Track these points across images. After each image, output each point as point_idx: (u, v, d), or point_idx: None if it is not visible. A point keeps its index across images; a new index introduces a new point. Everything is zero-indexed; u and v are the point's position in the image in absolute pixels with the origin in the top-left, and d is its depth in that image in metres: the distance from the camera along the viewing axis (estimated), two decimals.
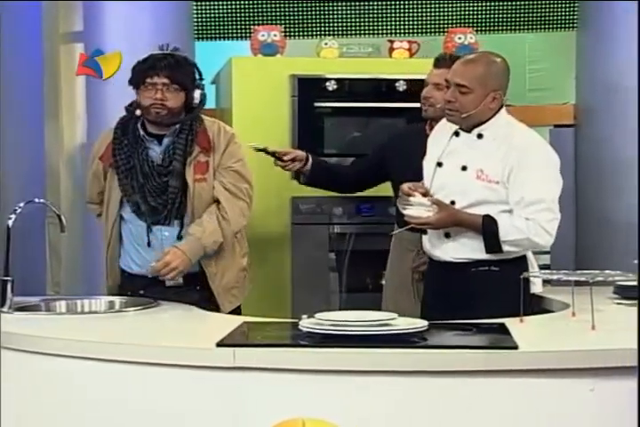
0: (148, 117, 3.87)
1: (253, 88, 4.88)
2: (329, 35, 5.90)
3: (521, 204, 3.52)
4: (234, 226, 3.89)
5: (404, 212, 3.60)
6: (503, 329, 3.02)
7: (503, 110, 3.64)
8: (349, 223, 4.90)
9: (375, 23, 6.03)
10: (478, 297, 3.56)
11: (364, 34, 6.02)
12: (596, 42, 5.41)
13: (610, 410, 2.73)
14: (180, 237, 3.87)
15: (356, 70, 4.97)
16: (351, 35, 6.01)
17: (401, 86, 4.93)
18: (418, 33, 6.02)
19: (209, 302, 3.85)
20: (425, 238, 3.75)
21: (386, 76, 4.96)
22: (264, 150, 4.30)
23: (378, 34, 6.02)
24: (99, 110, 5.02)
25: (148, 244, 3.88)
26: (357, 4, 5.99)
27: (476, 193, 3.57)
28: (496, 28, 6.10)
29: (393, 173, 4.21)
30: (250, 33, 5.29)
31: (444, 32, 5.56)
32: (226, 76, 5.04)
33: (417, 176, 3.75)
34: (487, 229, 3.53)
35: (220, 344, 2.79)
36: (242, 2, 5.94)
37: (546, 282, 3.95)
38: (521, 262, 3.63)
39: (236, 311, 3.95)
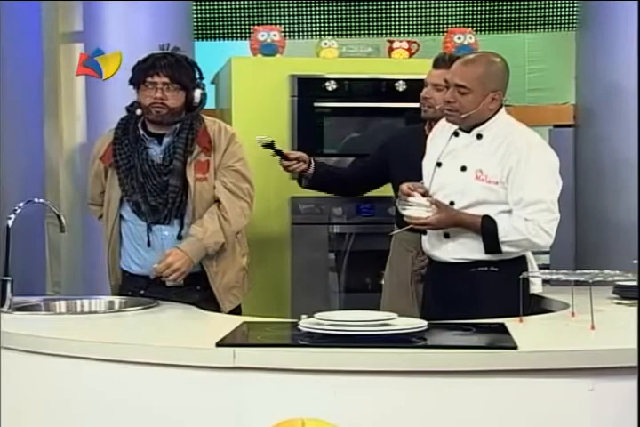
0: (148, 117, 3.88)
1: (253, 88, 4.88)
2: (328, 35, 5.90)
3: (520, 204, 3.52)
4: (234, 226, 3.89)
5: (404, 212, 3.60)
6: (503, 329, 3.02)
7: (502, 111, 3.64)
8: (349, 223, 4.90)
9: (375, 23, 6.03)
10: (478, 297, 3.56)
11: (364, 34, 6.02)
12: (595, 42, 5.41)
13: (609, 410, 2.73)
14: (179, 237, 3.87)
15: (355, 70, 4.97)
16: (351, 35, 6.01)
17: (400, 86, 4.93)
18: (417, 33, 6.02)
19: (210, 302, 3.86)
20: (424, 239, 3.75)
21: (385, 76, 4.96)
22: (271, 145, 4.29)
23: (377, 34, 6.02)
24: (98, 110, 5.02)
25: (148, 243, 3.88)
26: (357, 4, 5.99)
27: (476, 193, 3.57)
28: (496, 28, 6.10)
29: (393, 173, 4.21)
30: (249, 33, 5.29)
31: (443, 32, 5.57)
32: (225, 77, 5.04)
33: (416, 176, 3.75)
34: (486, 229, 3.53)
35: (219, 344, 2.79)
36: (241, 2, 5.94)
37: (545, 282, 3.95)
38: (520, 262, 3.63)
39: (237, 311, 3.95)
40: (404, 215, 3.63)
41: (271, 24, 5.63)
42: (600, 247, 5.31)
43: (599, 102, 5.38)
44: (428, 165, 3.73)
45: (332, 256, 4.90)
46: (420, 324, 2.90)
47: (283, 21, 5.88)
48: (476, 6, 6.06)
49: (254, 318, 3.38)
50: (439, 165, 3.67)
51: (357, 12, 6.00)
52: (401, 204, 3.62)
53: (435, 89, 4.05)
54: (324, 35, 5.90)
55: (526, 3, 6.09)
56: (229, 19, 5.96)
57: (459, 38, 5.10)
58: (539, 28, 6.16)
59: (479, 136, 3.61)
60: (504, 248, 3.55)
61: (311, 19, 5.99)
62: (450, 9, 6.04)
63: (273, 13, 5.94)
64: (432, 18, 6.04)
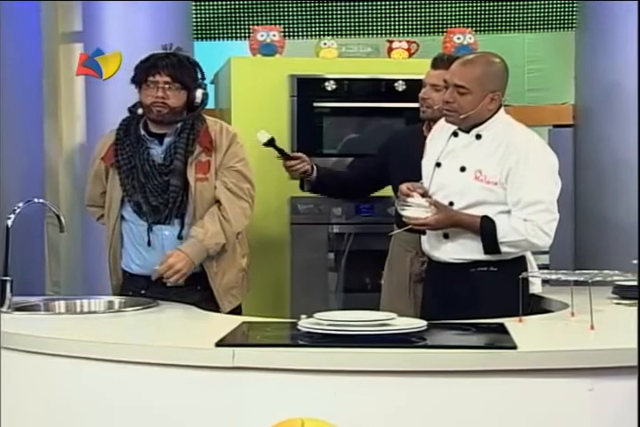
0: (149, 116, 3.88)
1: (252, 88, 4.88)
2: (328, 35, 5.90)
3: (519, 205, 3.52)
4: (235, 226, 3.89)
5: (403, 213, 3.60)
6: (502, 329, 3.02)
7: (502, 111, 3.64)
8: (348, 223, 4.90)
9: (374, 23, 6.03)
10: (477, 297, 3.56)
11: (363, 34, 6.02)
12: (595, 42, 5.41)
13: (608, 410, 2.74)
14: (180, 237, 3.87)
15: (354, 70, 4.97)
16: (350, 35, 6.01)
17: (400, 86, 4.93)
18: (417, 33, 6.02)
19: (209, 302, 3.86)
20: (424, 239, 3.75)
21: (385, 76, 4.96)
22: (272, 143, 4.27)
23: (377, 34, 6.02)
24: (98, 110, 5.02)
25: (149, 243, 3.88)
26: (356, 4, 5.99)
27: (475, 194, 3.57)
28: (495, 28, 6.10)
29: (392, 174, 4.21)
30: (249, 33, 5.30)
31: (443, 32, 5.57)
32: (225, 77, 5.04)
33: (416, 177, 3.75)
34: (485, 230, 3.53)
35: (219, 344, 2.80)
36: (241, 2, 5.94)
37: (545, 282, 3.96)
38: (520, 263, 3.63)
39: (237, 311, 3.95)
40: (402, 216, 3.63)
41: (270, 24, 5.63)
42: (599, 247, 5.30)
43: (598, 102, 5.38)
44: (427, 165, 3.73)
45: (331, 256, 4.90)
46: (420, 324, 2.90)
47: (282, 21, 5.88)
48: (476, 6, 6.06)
49: (254, 318, 3.38)
50: (438, 165, 3.67)
51: (357, 11, 6.00)
52: (400, 204, 3.62)
53: (433, 89, 4.05)
54: (324, 35, 5.91)
55: (526, 3, 6.09)
56: (229, 19, 5.96)
57: (458, 38, 5.10)
58: (538, 29, 6.16)
59: (478, 136, 3.61)
60: (503, 249, 3.55)
61: (310, 19, 5.99)
62: (449, 9, 6.05)
63: (272, 13, 5.94)
64: (431, 18, 6.04)
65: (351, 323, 2.83)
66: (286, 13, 5.95)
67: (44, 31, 5.67)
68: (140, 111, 3.90)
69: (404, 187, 3.65)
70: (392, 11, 6.03)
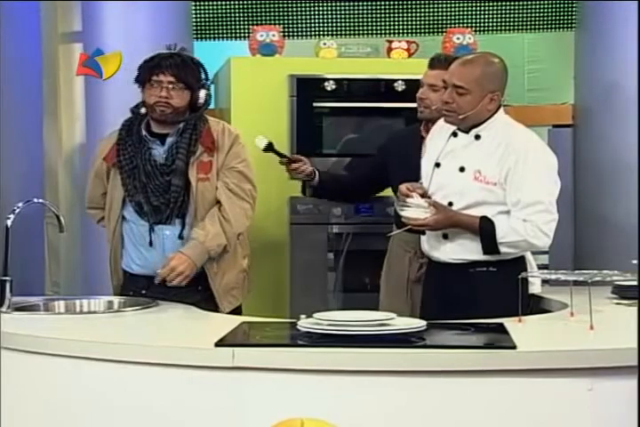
0: (152, 115, 3.89)
1: (252, 88, 4.88)
2: (327, 35, 5.90)
3: (518, 205, 3.52)
4: (236, 227, 3.89)
5: (402, 213, 3.60)
6: (502, 329, 3.02)
7: (501, 111, 3.64)
8: (348, 223, 4.90)
9: (374, 23, 6.03)
10: (477, 298, 3.56)
11: (363, 34, 6.02)
12: (594, 42, 5.41)
13: (608, 410, 2.74)
14: (181, 237, 3.87)
15: (354, 70, 4.97)
16: (350, 35, 6.00)
17: (399, 86, 4.93)
18: (416, 33, 6.02)
19: (210, 303, 3.86)
20: (423, 239, 3.75)
21: (384, 77, 4.96)
22: (271, 147, 4.25)
23: (376, 34, 6.02)
24: (97, 110, 5.02)
25: (150, 243, 3.88)
26: (356, 4, 5.98)
27: (474, 194, 3.57)
28: (495, 28, 6.10)
29: (392, 174, 4.20)
30: (248, 33, 5.30)
31: (442, 32, 5.57)
32: (224, 77, 5.05)
33: (415, 177, 3.75)
34: (484, 230, 3.54)
35: (218, 344, 2.80)
36: (240, 2, 5.93)
37: (544, 282, 3.96)
38: (519, 263, 3.63)
39: (237, 312, 3.95)
40: (402, 216, 3.63)
41: (270, 24, 5.63)
42: (599, 247, 5.30)
43: (598, 102, 5.39)
44: (426, 165, 3.73)
45: (330, 256, 4.90)
46: (419, 324, 2.90)
47: (282, 21, 5.88)
48: (475, 6, 6.06)
49: (253, 318, 3.38)
50: (438, 165, 3.67)
51: (356, 12, 6.00)
52: (399, 205, 3.62)
53: (431, 89, 4.04)
54: (323, 35, 5.90)
55: (525, 3, 6.09)
56: (228, 19, 5.96)
57: (458, 38, 5.11)
58: (538, 29, 6.16)
59: (477, 137, 3.61)
60: (502, 249, 3.55)
61: (310, 19, 5.98)
62: (449, 9, 6.04)
63: (272, 13, 5.94)
64: (431, 18, 6.04)
65: (351, 323, 2.84)
66: (286, 13, 5.95)
67: (44, 31, 5.67)
68: (143, 110, 3.90)
69: (403, 187, 3.65)
70: (391, 11, 6.03)
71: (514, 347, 2.75)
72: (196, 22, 5.89)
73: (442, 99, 3.63)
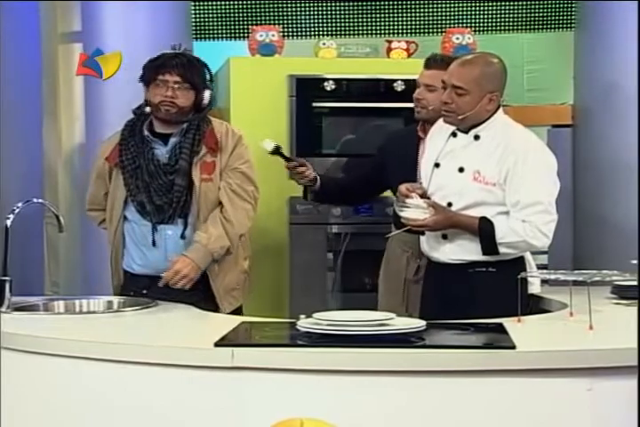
0: (157, 114, 3.89)
1: (251, 88, 4.89)
2: (327, 35, 5.91)
3: (518, 206, 3.52)
4: (238, 228, 3.89)
5: (401, 214, 3.60)
6: (501, 329, 3.02)
7: (500, 111, 3.64)
8: (347, 223, 4.90)
9: (373, 23, 6.03)
10: (476, 298, 3.56)
11: (362, 34, 6.03)
12: (594, 42, 5.41)
13: (607, 410, 2.74)
14: (183, 237, 3.88)
15: (353, 70, 4.97)
16: (349, 35, 6.01)
17: (399, 86, 4.94)
18: (416, 33, 6.02)
19: (210, 303, 3.87)
20: (423, 240, 3.75)
21: (384, 77, 4.97)
22: (278, 151, 4.24)
23: (376, 34, 6.02)
24: (97, 111, 5.02)
25: (153, 243, 3.89)
26: (355, 4, 5.99)
27: (473, 195, 3.57)
28: (494, 28, 6.10)
29: (391, 174, 4.20)
30: (248, 33, 5.30)
31: (441, 32, 5.57)
32: (224, 77, 5.05)
33: (413, 177, 3.75)
34: (484, 231, 3.53)
35: (218, 344, 2.80)
36: (240, 2, 5.94)
37: (544, 282, 3.96)
38: (519, 263, 3.63)
39: (238, 313, 3.95)
40: (401, 217, 3.62)
41: (270, 24, 5.63)
42: (598, 248, 5.30)
43: (597, 102, 5.39)
44: (426, 165, 3.73)
45: (330, 256, 4.90)
46: (419, 324, 2.90)
47: (281, 21, 5.89)
48: (475, 6, 6.07)
49: (253, 318, 3.38)
50: (437, 165, 3.67)
51: (356, 12, 6.01)
52: (398, 205, 3.62)
53: (427, 90, 4.03)
54: (323, 35, 5.91)
55: (524, 3, 6.09)
56: (228, 19, 5.97)
57: (457, 38, 5.11)
58: (537, 29, 6.16)
59: (477, 137, 3.61)
60: (501, 250, 3.55)
61: (310, 19, 5.99)
62: (448, 9, 6.05)
63: (271, 13, 5.94)
64: (430, 18, 6.04)
65: (350, 323, 2.84)
66: (285, 13, 5.95)
67: (44, 31, 5.67)
68: (147, 109, 3.90)
69: (403, 187, 3.65)
70: (391, 11, 6.03)
71: (513, 347, 2.75)
72: (196, 22, 5.90)
73: (441, 99, 3.63)
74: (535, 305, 3.81)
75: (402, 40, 5.17)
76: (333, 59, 5.01)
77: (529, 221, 3.50)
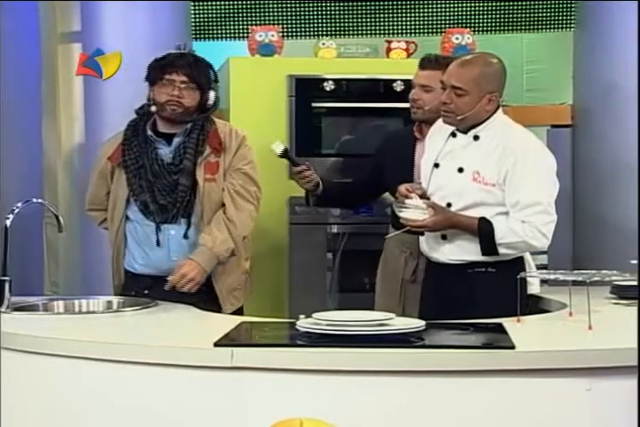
0: (162, 114, 3.89)
1: (251, 88, 4.89)
2: (326, 35, 5.91)
3: (517, 206, 3.52)
4: (241, 229, 3.90)
5: (400, 214, 3.60)
6: (500, 329, 3.02)
7: (500, 112, 3.64)
8: (347, 223, 4.90)
9: (373, 23, 6.03)
10: (476, 298, 3.56)
11: (362, 34, 6.03)
12: (593, 42, 5.41)
13: (607, 410, 2.74)
14: (186, 237, 3.88)
15: (353, 70, 4.97)
16: (349, 35, 6.01)
17: (398, 86, 4.94)
18: (415, 33, 6.02)
19: (211, 303, 3.87)
20: (422, 240, 3.75)
21: (383, 77, 4.97)
22: (286, 154, 4.23)
23: (375, 34, 6.02)
24: (97, 110, 5.03)
25: (157, 242, 3.89)
26: (355, 4, 5.99)
27: (473, 195, 3.57)
28: (493, 28, 6.10)
29: (389, 175, 4.19)
30: (247, 33, 5.30)
31: (441, 32, 5.57)
32: (223, 77, 5.02)
33: (409, 178, 3.75)
34: (483, 231, 3.53)
35: (217, 344, 2.80)
36: (239, 2, 5.94)
37: (543, 282, 3.96)
38: (518, 263, 3.63)
39: (239, 313, 3.95)
40: (400, 217, 3.62)
41: (269, 24, 5.63)
42: (598, 248, 5.31)
43: (597, 102, 5.39)
44: (425, 165, 3.73)
45: (329, 256, 4.91)
46: (418, 324, 2.90)
47: (281, 21, 5.89)
48: (474, 7, 6.07)
49: (252, 318, 3.39)
50: (436, 166, 3.67)
51: (355, 12, 6.01)
52: (398, 206, 3.62)
53: (422, 90, 4.03)
54: (322, 35, 5.91)
55: (524, 3, 6.09)
56: (227, 19, 5.97)
57: (457, 38, 5.11)
58: (536, 29, 6.16)
59: (476, 137, 3.61)
60: (501, 250, 3.55)
61: (309, 19, 5.99)
62: (448, 9, 6.05)
63: (271, 13, 5.95)
64: (430, 18, 6.04)
65: (349, 323, 2.84)
66: (285, 13, 5.95)
67: (43, 31, 5.67)
68: (153, 108, 3.90)
69: (402, 188, 3.65)
70: (391, 11, 6.03)
71: (512, 347, 2.75)
72: (196, 22, 5.90)
73: (440, 99, 3.62)
74: (534, 305, 3.81)
75: (401, 40, 5.17)
76: (333, 59, 5.01)
77: (528, 222, 3.50)
